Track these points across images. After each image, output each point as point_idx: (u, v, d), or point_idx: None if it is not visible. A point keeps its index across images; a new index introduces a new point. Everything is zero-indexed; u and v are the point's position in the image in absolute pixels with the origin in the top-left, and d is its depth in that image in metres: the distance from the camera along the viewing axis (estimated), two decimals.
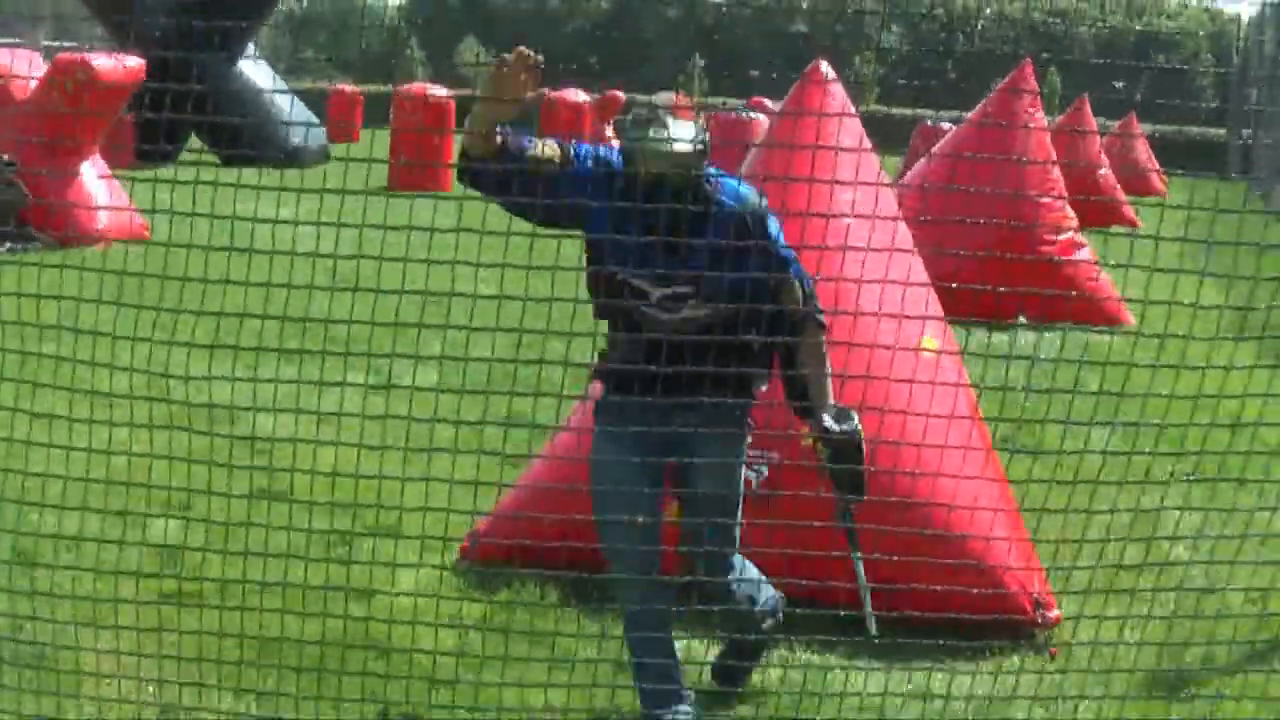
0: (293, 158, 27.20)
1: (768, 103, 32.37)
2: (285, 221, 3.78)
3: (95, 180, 16.23)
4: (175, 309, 3.94)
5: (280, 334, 4.22)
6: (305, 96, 34.92)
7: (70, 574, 4.03)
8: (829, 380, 4.48)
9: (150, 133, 17.71)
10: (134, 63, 16.34)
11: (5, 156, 15.46)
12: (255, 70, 34.04)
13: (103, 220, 15.44)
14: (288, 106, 32.89)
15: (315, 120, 35.43)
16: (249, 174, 4.50)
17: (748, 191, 4.52)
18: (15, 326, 3.83)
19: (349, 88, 46.23)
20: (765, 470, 5.29)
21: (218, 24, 24.36)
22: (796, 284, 4.50)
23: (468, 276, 3.88)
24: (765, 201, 4.52)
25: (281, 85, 36.05)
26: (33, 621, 4.03)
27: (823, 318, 4.48)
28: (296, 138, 30.19)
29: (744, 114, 22.42)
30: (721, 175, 4.50)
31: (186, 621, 4.29)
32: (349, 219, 3.74)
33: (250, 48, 34.06)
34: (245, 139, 29.05)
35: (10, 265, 4.09)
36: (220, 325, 3.92)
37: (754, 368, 4.44)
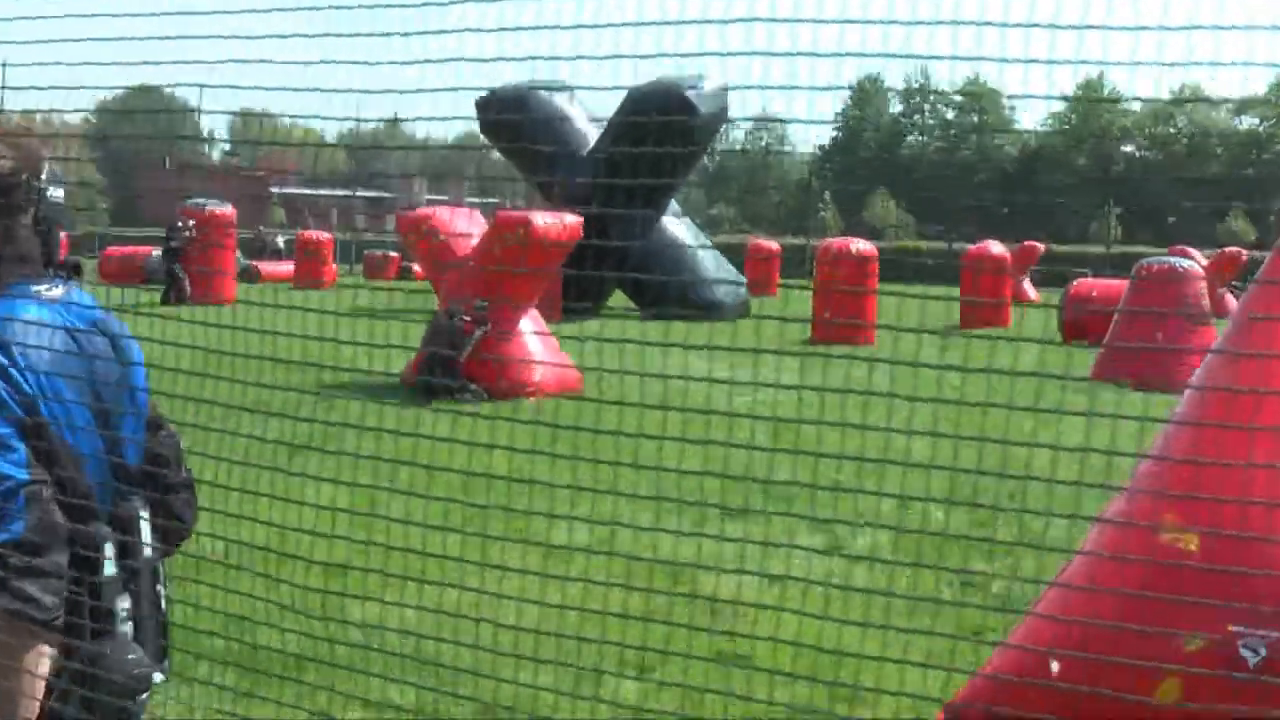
0: (713, 311, 27.66)
1: (1192, 251, 31.25)
2: (723, 381, 3.63)
3: (532, 335, 16.70)
4: (617, 462, 3.84)
5: (721, 492, 4.09)
6: (721, 251, 35.60)
7: None
8: None
9: (580, 289, 18.27)
10: (572, 220, 16.81)
11: (467, 310, 16.05)
12: (677, 226, 34.86)
13: (539, 374, 15.79)
14: (710, 261, 33.63)
15: (738, 275, 35.98)
16: (678, 328, 4.40)
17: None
18: (460, 479, 3.80)
19: (766, 241, 46.97)
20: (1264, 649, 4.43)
21: (643, 182, 25.01)
22: None
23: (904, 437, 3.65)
24: None
25: (704, 240, 36.83)
26: None
27: None
28: (718, 292, 30.67)
29: (1177, 265, 21.58)
30: None
31: None
32: (774, 374, 3.58)
33: (672, 204, 34.93)
34: (669, 294, 29.67)
35: (446, 414, 4.07)
36: (660, 480, 3.80)
37: None
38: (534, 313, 17.05)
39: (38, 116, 4.04)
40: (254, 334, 3.50)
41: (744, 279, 36.67)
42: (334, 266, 43.41)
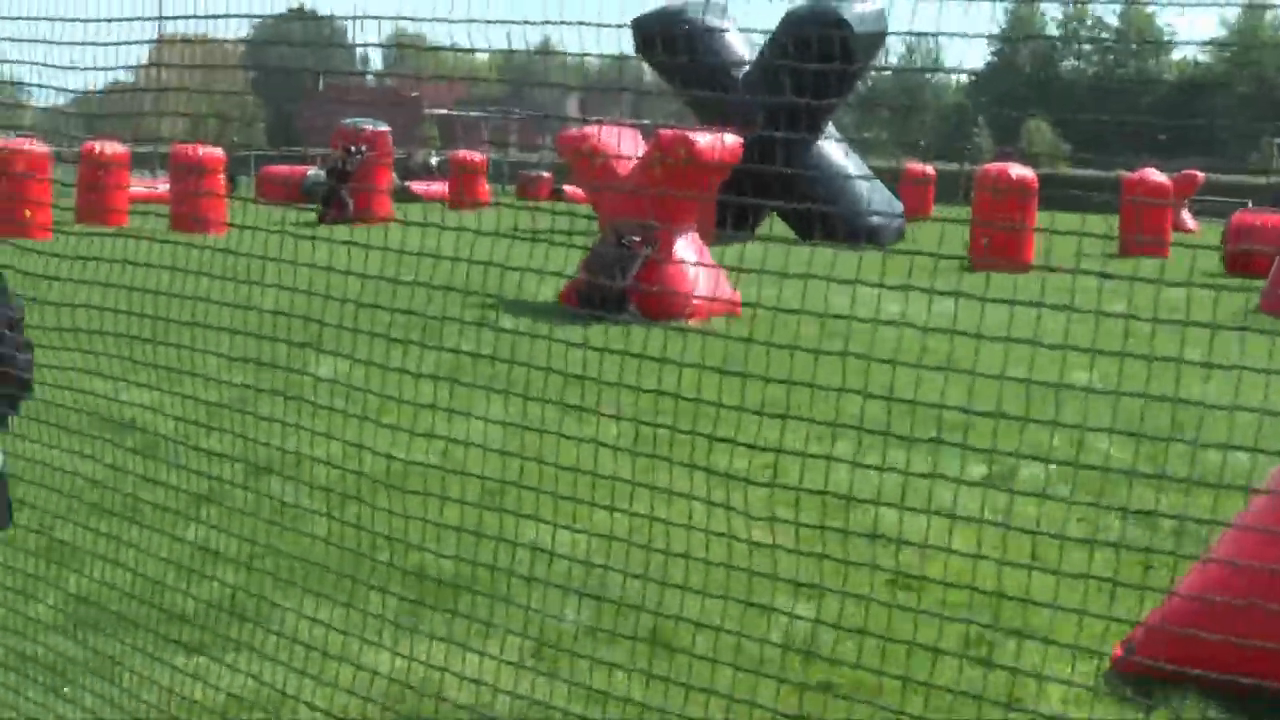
0: (871, 237, 27.39)
1: None
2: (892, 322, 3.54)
3: (691, 257, 16.61)
4: (784, 380, 3.76)
5: (889, 417, 4.00)
6: (876, 175, 35.20)
7: (707, 664, 3.91)
8: None
9: (736, 212, 18.06)
10: (732, 141, 16.66)
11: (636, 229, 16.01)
12: (834, 149, 34.53)
13: (699, 296, 15.68)
14: (866, 186, 33.28)
15: (894, 200, 35.55)
16: (835, 255, 4.31)
17: None
18: (630, 404, 3.75)
19: (923, 166, 46.35)
20: None
21: (811, 102, 24.79)
22: None
23: (1074, 364, 3.53)
24: None
25: (859, 162, 36.44)
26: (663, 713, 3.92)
27: None
28: (876, 218, 30.38)
29: None
30: None
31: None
32: (934, 302, 3.47)
33: (830, 128, 34.56)
34: (826, 219, 29.45)
35: (607, 334, 4.03)
36: (823, 405, 3.71)
37: None
38: (693, 234, 16.95)
39: (194, 36, 4.06)
40: (414, 255, 3.48)
41: (901, 205, 36.24)
42: (487, 187, 43.63)
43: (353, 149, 34.42)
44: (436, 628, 3.77)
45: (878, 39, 32.95)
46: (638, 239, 15.99)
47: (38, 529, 4.41)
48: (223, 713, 4.09)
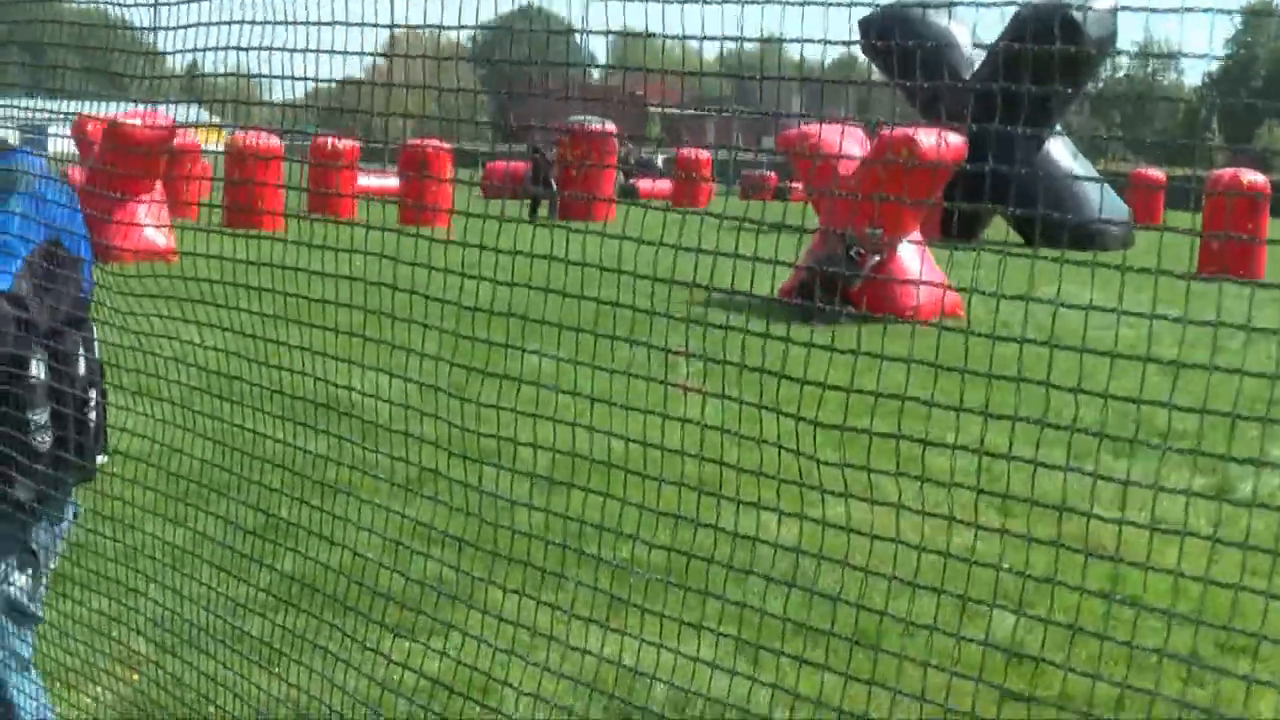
0: (1097, 243, 26.81)
1: None
2: (1100, 309, 3.42)
3: (911, 257, 16.51)
4: (1001, 376, 3.67)
5: (1103, 424, 3.89)
6: (1104, 178, 34.47)
7: (913, 664, 3.85)
8: None
9: (960, 214, 17.83)
10: (955, 140, 16.51)
11: (862, 238, 15.96)
12: (1060, 150, 33.94)
13: (918, 297, 15.53)
14: (1094, 190, 32.59)
15: (1122, 205, 34.79)
16: (1057, 256, 4.19)
17: (12, 159, 4.01)
18: (838, 401, 3.70)
19: (1152, 171, 45.31)
20: None
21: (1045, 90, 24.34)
22: None
23: None
24: (35, 171, 3.99)
25: (1085, 163, 35.73)
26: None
27: None
28: (1102, 223, 29.76)
29: None
30: None
31: None
32: (1155, 308, 3.34)
33: (1057, 127, 33.95)
34: (1052, 223, 28.98)
35: (824, 334, 3.98)
36: (1040, 408, 3.61)
37: None
38: (916, 235, 16.82)
39: (424, 34, 4.12)
40: (632, 250, 3.49)
41: (1128, 210, 35.45)
42: (712, 185, 43.71)
43: (538, 149, 34.84)
44: (634, 618, 3.78)
45: (1108, 40, 32.29)
46: (864, 251, 15.93)
47: (257, 508, 4.52)
48: (429, 693, 4.16)
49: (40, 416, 3.94)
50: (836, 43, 3.30)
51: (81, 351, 4.06)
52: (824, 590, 3.62)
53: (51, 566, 4.22)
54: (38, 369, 3.93)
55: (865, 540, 3.55)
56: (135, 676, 5.03)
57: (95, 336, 4.21)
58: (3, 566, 4.01)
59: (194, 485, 4.55)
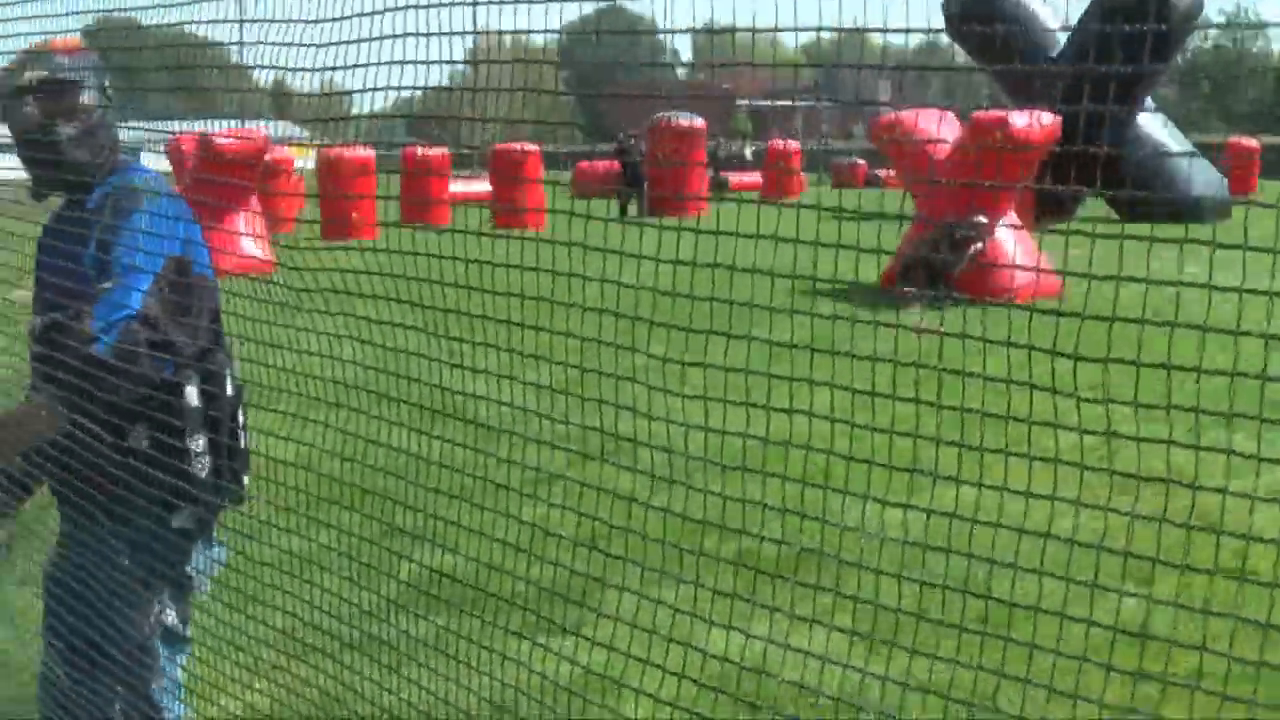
0: (1193, 212, 26.46)
1: None
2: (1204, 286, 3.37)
3: (1009, 238, 16.41)
4: (1109, 360, 3.62)
5: (1230, 397, 3.83)
6: (1198, 149, 34.03)
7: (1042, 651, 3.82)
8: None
9: (1053, 194, 17.71)
10: (1049, 120, 16.37)
11: (973, 221, 15.90)
12: (1152, 123, 33.53)
13: (1018, 279, 15.51)
14: (1187, 163, 32.16)
15: (1217, 174, 34.30)
16: (1159, 232, 4.13)
17: (134, 176, 3.86)
18: (953, 384, 3.67)
19: (1246, 140, 44.64)
20: None
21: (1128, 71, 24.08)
22: (88, 314, 3.63)
23: None
24: (155, 188, 3.85)
25: (1178, 135, 35.29)
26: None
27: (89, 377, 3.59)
28: (1198, 190, 29.38)
29: None
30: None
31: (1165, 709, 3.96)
32: (1260, 278, 3.28)
33: (1148, 100, 33.56)
34: (1144, 193, 28.64)
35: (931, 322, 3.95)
36: (1152, 386, 3.57)
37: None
38: (1012, 215, 16.72)
39: (508, 38, 4.14)
40: (728, 245, 3.49)
41: (1225, 181, 34.94)
42: (803, 176, 43.64)
43: (623, 135, 34.94)
44: (762, 613, 3.78)
45: (1195, 8, 31.87)
46: (970, 234, 15.88)
47: (378, 516, 4.57)
48: (554, 695, 4.18)
49: (197, 443, 3.93)
50: (919, 30, 3.28)
51: (227, 373, 4.05)
52: (948, 579, 3.61)
53: (206, 591, 4.21)
54: (191, 393, 3.91)
55: (987, 527, 3.54)
56: (263, 685, 5.09)
57: (234, 355, 4.20)
58: (162, 595, 4.01)
59: (312, 495, 4.59)
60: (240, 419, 4.11)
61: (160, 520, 3.92)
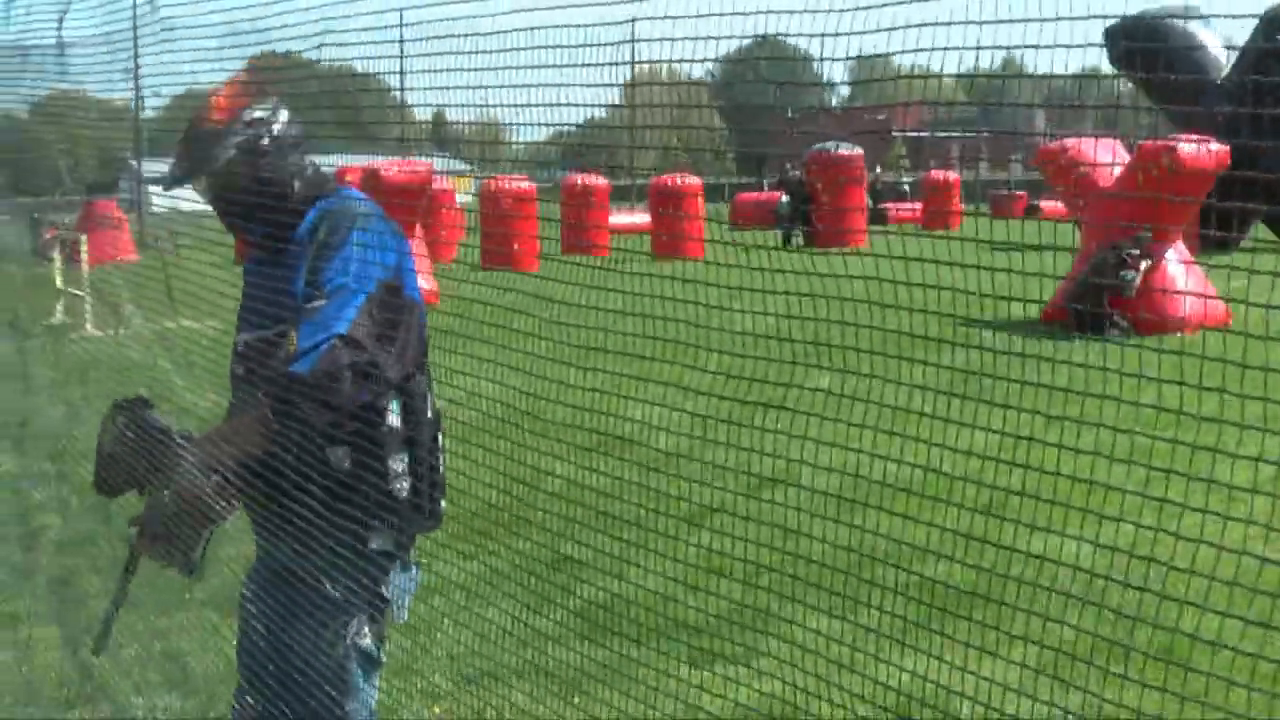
0: None
1: None
2: None
3: (1177, 266, 16.17)
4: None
5: None
6: None
7: (1222, 684, 3.74)
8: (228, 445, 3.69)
9: (1222, 221, 17.32)
10: (1219, 148, 16.09)
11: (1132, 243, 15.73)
12: None
13: (1186, 307, 15.27)
14: None
15: None
16: None
17: (346, 199, 3.80)
18: (1116, 414, 3.62)
19: None
20: None
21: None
22: (294, 335, 3.60)
23: None
24: (367, 210, 3.79)
25: None
26: None
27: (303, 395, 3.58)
28: None
29: None
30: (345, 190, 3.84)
31: None
32: None
33: None
34: None
35: (1096, 347, 3.90)
36: None
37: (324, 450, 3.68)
38: (1179, 244, 16.45)
39: (664, 68, 4.16)
40: (888, 281, 3.48)
41: None
42: (961, 207, 43.26)
43: (787, 166, 34.81)
44: (938, 641, 3.76)
45: None
46: (1136, 252, 15.66)
47: (546, 544, 4.60)
48: None
49: (397, 464, 3.96)
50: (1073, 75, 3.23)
51: (430, 395, 4.07)
52: (1123, 609, 3.56)
53: (405, 615, 4.22)
54: (393, 415, 3.94)
55: (1166, 553, 3.48)
56: (438, 710, 5.15)
57: (435, 378, 4.23)
58: (359, 618, 4.03)
59: (484, 521, 4.63)
60: (439, 442, 4.13)
61: (359, 541, 3.93)
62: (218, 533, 3.96)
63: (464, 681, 4.96)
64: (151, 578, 4.68)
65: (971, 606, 3.60)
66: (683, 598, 4.15)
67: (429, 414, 4.04)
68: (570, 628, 4.74)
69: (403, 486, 3.96)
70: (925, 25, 3.13)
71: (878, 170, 50.16)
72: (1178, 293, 15.02)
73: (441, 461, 4.14)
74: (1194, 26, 33.08)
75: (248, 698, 4.23)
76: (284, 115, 4.11)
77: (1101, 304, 15.34)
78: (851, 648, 3.80)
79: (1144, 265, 15.91)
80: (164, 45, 6.48)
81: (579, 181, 27.62)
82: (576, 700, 4.57)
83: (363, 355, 3.68)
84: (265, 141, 4.01)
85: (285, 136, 4.07)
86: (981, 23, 3.05)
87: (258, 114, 4.07)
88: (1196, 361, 3.50)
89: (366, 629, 4.03)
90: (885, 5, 3.13)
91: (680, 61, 3.62)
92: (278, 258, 3.99)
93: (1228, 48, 34.33)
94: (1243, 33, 33.13)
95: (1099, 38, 3.24)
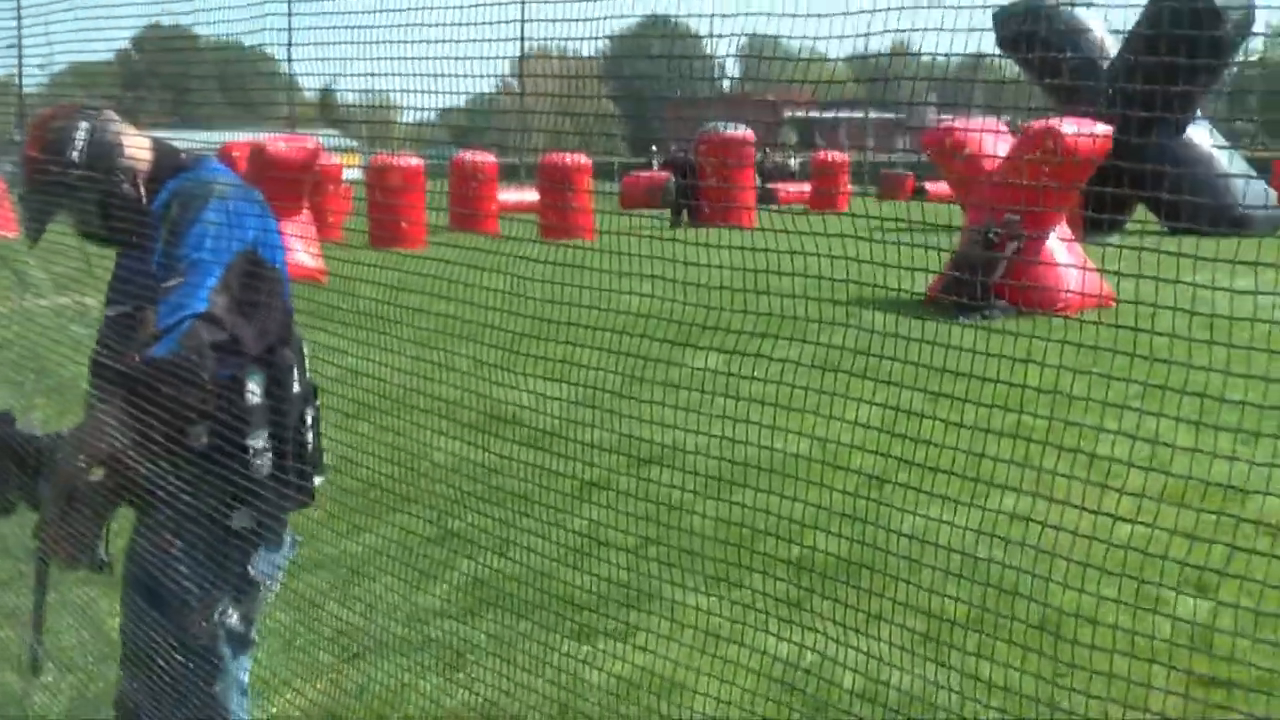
0: (1240, 226, 26.27)
1: None
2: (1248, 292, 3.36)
3: (1060, 249, 16.38)
4: (1153, 384, 3.62)
5: (1259, 419, 3.80)
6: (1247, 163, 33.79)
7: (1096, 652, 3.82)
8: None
9: (1101, 205, 17.61)
10: (1101, 131, 16.28)
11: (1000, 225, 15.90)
12: (1200, 135, 33.35)
13: (1067, 289, 15.45)
14: (1234, 171, 31.90)
15: (1270, 191, 34.02)
16: (1204, 245, 4.12)
17: (201, 174, 3.80)
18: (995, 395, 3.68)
19: None
20: None
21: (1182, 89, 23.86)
22: (152, 315, 3.60)
23: None
24: (224, 182, 3.77)
25: (1228, 151, 35.05)
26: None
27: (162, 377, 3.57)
28: (1244, 205, 29.11)
29: None
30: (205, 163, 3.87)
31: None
32: None
33: (1196, 112, 33.35)
34: (1194, 206, 28.42)
35: (976, 331, 3.96)
36: (1201, 402, 3.56)
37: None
38: (1063, 227, 16.67)
39: (554, 50, 4.16)
40: (782, 257, 3.50)
41: (1276, 196, 34.63)
42: (849, 188, 43.50)
43: (674, 147, 34.92)
44: (822, 614, 3.79)
45: (1248, 19, 31.65)
46: (1002, 233, 15.86)
47: (431, 519, 4.60)
48: (615, 695, 4.19)
49: (258, 440, 3.89)
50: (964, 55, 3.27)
51: (295, 369, 3.99)
52: (1001, 582, 3.62)
53: (273, 594, 4.16)
54: (253, 390, 3.87)
55: (1038, 529, 3.55)
56: (319, 686, 5.13)
57: (307, 353, 4.15)
58: (223, 598, 3.97)
59: (366, 500, 4.60)
60: (310, 417, 4.06)
61: (220, 520, 3.88)
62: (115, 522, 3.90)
63: (348, 657, 4.94)
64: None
65: (849, 576, 3.64)
66: (565, 575, 4.15)
67: (296, 388, 3.97)
68: (454, 602, 4.74)
69: (264, 463, 3.90)
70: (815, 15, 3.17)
71: (766, 150, 50.34)
72: (1051, 272, 15.24)
73: (313, 437, 4.08)
74: (1080, 11, 33.53)
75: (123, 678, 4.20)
76: (84, 125, 4.04)
77: (975, 286, 15.54)
78: (732, 620, 3.83)
79: (1010, 247, 16.12)
80: (47, 17, 6.38)
81: (468, 158, 27.50)
82: (460, 675, 4.57)
83: (221, 334, 3.62)
84: (75, 156, 3.96)
85: (98, 143, 4.01)
86: (873, 11, 3.08)
87: (51, 137, 4.03)
88: (1073, 341, 3.58)
89: (232, 609, 3.98)
90: None
91: (570, 40, 3.61)
92: (135, 230, 3.95)
93: (1113, 31, 34.83)
94: (1131, 17, 33.61)
95: (988, 22, 3.27)
